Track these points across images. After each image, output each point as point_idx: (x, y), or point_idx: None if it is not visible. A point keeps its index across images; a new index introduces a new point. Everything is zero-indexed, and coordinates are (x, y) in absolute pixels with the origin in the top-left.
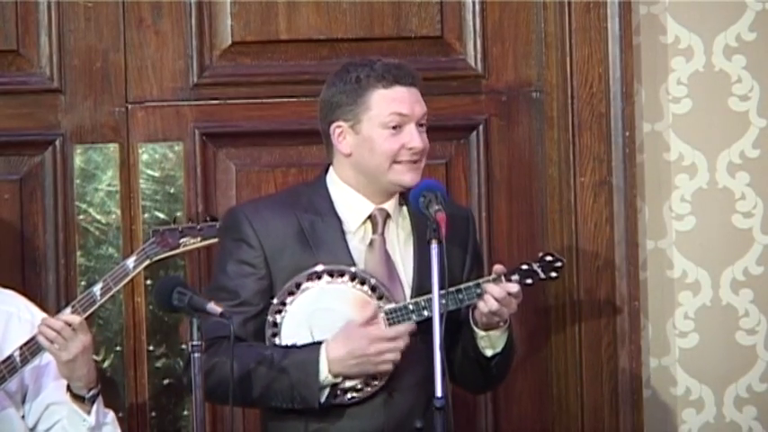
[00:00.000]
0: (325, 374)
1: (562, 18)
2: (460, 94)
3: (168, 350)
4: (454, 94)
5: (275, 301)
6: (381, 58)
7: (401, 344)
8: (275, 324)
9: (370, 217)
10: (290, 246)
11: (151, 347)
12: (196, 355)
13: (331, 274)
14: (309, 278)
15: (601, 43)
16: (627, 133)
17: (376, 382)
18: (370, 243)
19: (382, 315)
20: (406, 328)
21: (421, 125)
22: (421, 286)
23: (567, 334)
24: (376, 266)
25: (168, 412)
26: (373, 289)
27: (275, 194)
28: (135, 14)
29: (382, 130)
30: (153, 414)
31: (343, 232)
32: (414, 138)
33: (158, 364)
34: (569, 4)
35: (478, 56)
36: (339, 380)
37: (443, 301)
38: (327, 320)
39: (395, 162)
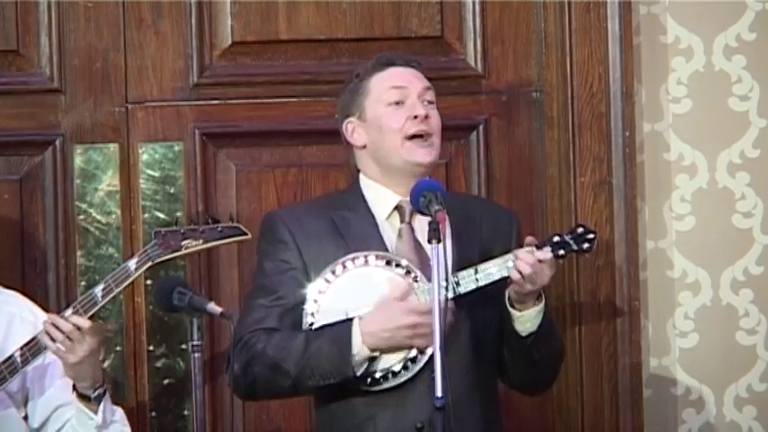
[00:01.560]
0: (358, 347)
1: (562, 18)
2: (460, 94)
3: (168, 350)
4: (454, 94)
5: (311, 290)
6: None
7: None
8: (312, 314)
9: (397, 208)
10: (324, 242)
11: (151, 347)
12: (196, 355)
13: (366, 259)
14: (344, 265)
15: (601, 43)
16: (627, 133)
17: (415, 366)
18: (399, 233)
19: (419, 293)
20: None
21: (429, 102)
22: (462, 267)
23: (567, 334)
24: (407, 254)
25: (168, 412)
26: (408, 271)
27: (310, 199)
28: (135, 14)
29: (385, 107)
30: (153, 414)
31: (375, 224)
32: (417, 106)
33: (158, 364)
34: (569, 4)
35: (478, 56)
36: (376, 354)
37: (476, 276)
38: (362, 304)
39: (406, 139)
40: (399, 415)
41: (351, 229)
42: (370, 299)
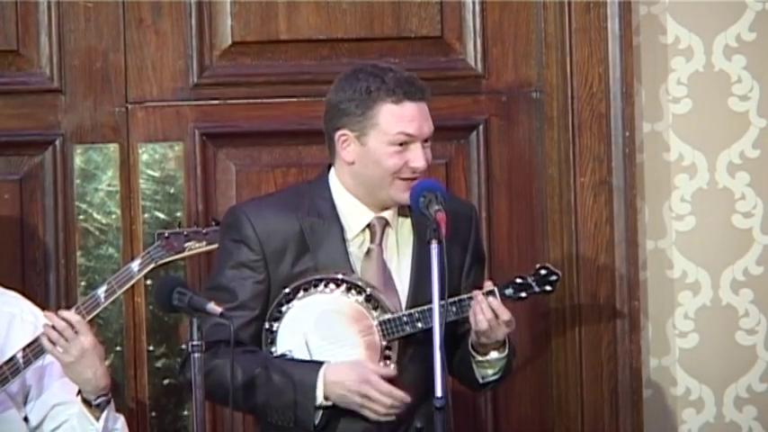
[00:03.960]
0: (321, 399)
1: (562, 18)
2: (460, 94)
3: (168, 350)
4: (454, 94)
5: (272, 307)
6: (393, 68)
7: (388, 401)
8: (271, 331)
9: (368, 225)
10: (290, 249)
11: (151, 347)
12: (196, 355)
13: (327, 283)
14: (306, 287)
15: (601, 43)
16: (627, 133)
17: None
18: (368, 252)
19: (376, 324)
20: (403, 397)
21: (426, 141)
22: (417, 296)
23: (567, 334)
24: (372, 276)
25: (168, 412)
26: (368, 299)
27: (278, 193)
28: (135, 14)
29: (388, 146)
30: (153, 414)
31: (343, 238)
32: (418, 158)
33: (158, 364)
34: (569, 4)
35: (478, 56)
36: (330, 404)
37: (440, 310)
38: (321, 330)
39: (397, 178)
40: (356, 425)
41: (318, 242)
42: (329, 327)
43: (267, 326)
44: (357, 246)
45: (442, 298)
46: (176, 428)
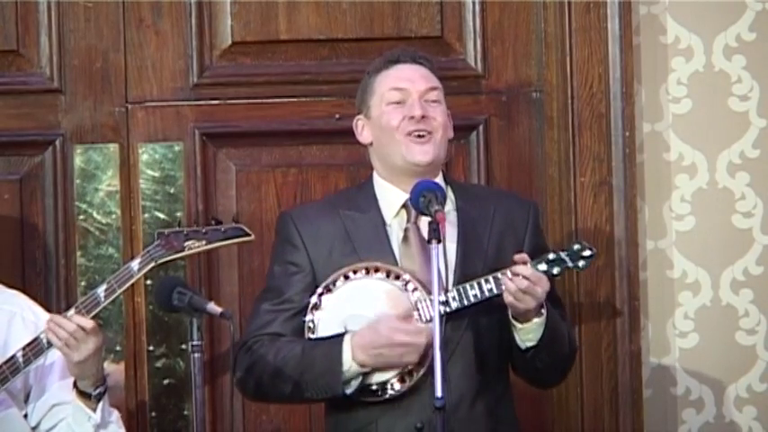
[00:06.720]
0: (349, 363)
1: (562, 18)
2: (460, 94)
3: (168, 350)
4: (454, 94)
5: (312, 299)
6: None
7: (422, 339)
8: (312, 321)
9: (404, 206)
10: (333, 243)
11: (151, 347)
12: (196, 355)
13: (367, 271)
14: (345, 276)
15: (601, 43)
16: (627, 133)
17: (413, 378)
18: (405, 233)
19: (414, 306)
20: (427, 326)
21: (433, 101)
22: (465, 270)
23: None
24: (413, 256)
25: (168, 412)
26: (406, 284)
27: (327, 196)
28: (135, 14)
29: (386, 106)
30: (153, 414)
31: (384, 224)
32: (414, 107)
33: (158, 364)
34: (569, 4)
35: (478, 56)
36: (366, 369)
37: (473, 292)
38: (360, 317)
39: (405, 137)
40: (402, 418)
41: (359, 232)
42: (367, 312)
43: (308, 318)
44: (397, 229)
45: (470, 288)
46: (176, 428)
